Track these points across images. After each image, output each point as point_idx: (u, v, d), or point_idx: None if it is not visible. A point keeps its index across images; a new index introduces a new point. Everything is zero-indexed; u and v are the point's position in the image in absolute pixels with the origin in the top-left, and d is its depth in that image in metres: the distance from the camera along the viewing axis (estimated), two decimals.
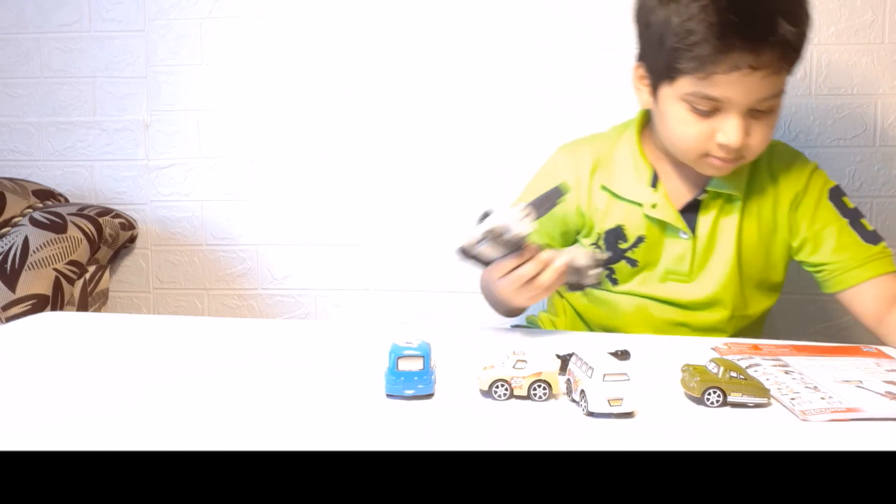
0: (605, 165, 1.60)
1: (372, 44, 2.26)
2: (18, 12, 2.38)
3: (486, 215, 1.33)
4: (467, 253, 1.37)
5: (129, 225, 2.35)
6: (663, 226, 1.55)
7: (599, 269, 1.43)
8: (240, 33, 2.31)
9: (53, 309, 2.09)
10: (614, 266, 1.59)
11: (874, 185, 2.07)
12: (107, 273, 2.35)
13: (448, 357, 1.20)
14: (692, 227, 1.54)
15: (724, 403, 1.04)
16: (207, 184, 2.37)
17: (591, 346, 1.32)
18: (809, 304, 2.12)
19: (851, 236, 1.52)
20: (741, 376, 1.05)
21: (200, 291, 2.41)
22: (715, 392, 1.04)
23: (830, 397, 1.06)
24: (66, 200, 2.39)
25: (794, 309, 2.07)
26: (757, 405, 1.04)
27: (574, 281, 1.42)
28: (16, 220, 2.24)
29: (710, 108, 1.40)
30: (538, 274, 1.35)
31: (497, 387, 1.05)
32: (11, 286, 2.06)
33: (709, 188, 1.52)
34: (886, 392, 1.08)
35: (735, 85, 1.36)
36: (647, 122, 1.60)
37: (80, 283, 2.20)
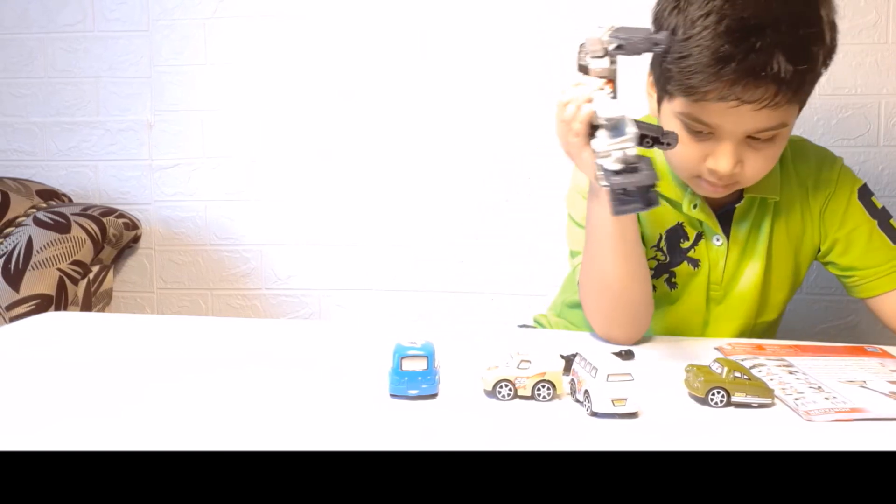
0: None
1: (374, 44, 2.27)
2: (22, 12, 2.39)
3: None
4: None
5: (132, 225, 2.35)
6: (700, 228, 1.51)
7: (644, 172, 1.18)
8: (243, 33, 2.31)
9: (57, 309, 2.09)
10: (675, 269, 1.53)
11: (878, 184, 2.07)
12: (110, 273, 2.36)
13: (452, 357, 1.20)
14: (726, 233, 1.50)
15: (728, 404, 1.04)
16: (211, 184, 2.37)
17: (595, 347, 1.32)
18: (813, 305, 2.12)
19: (881, 239, 1.49)
20: (745, 376, 1.05)
21: (204, 291, 2.41)
22: (719, 392, 1.04)
23: (834, 397, 1.06)
24: (70, 200, 2.40)
25: (799, 309, 2.07)
26: (761, 405, 1.04)
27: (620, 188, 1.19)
28: (20, 220, 2.24)
29: (704, 132, 1.35)
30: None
31: (501, 387, 1.05)
32: (15, 286, 2.07)
33: (746, 194, 1.48)
34: (890, 392, 1.08)
35: (726, 115, 1.31)
36: None
37: (83, 283, 2.20)
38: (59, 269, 2.12)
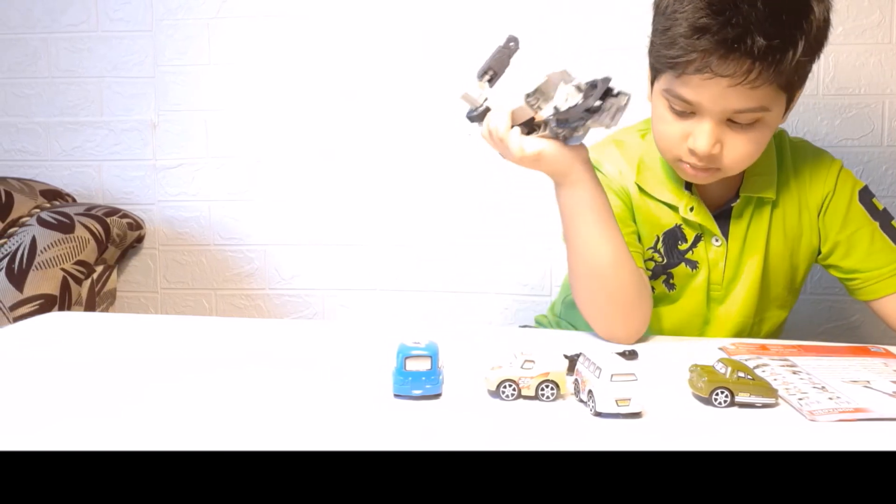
0: (642, 164, 1.54)
1: (378, 44, 2.27)
2: (26, 12, 2.39)
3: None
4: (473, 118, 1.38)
5: (136, 225, 2.35)
6: (699, 230, 1.51)
7: (609, 109, 1.26)
8: (247, 33, 2.31)
9: (61, 309, 2.10)
10: (673, 271, 1.54)
11: (882, 185, 2.07)
12: (114, 273, 2.36)
13: (456, 357, 1.20)
14: (725, 233, 1.51)
15: (732, 404, 1.04)
16: (215, 184, 2.37)
17: (599, 346, 1.32)
18: (817, 305, 2.12)
19: (883, 241, 1.49)
20: (749, 376, 1.05)
21: (208, 291, 2.41)
22: (723, 392, 1.04)
23: (838, 397, 1.06)
24: (74, 200, 2.40)
25: (802, 309, 2.07)
26: (765, 405, 1.04)
27: (568, 127, 1.29)
28: (23, 220, 2.24)
29: (685, 110, 1.36)
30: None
31: (505, 387, 1.05)
32: (19, 286, 2.07)
33: (742, 193, 1.49)
34: (894, 392, 1.08)
35: (704, 89, 1.32)
36: None
37: (87, 283, 2.20)
38: (62, 269, 2.12)
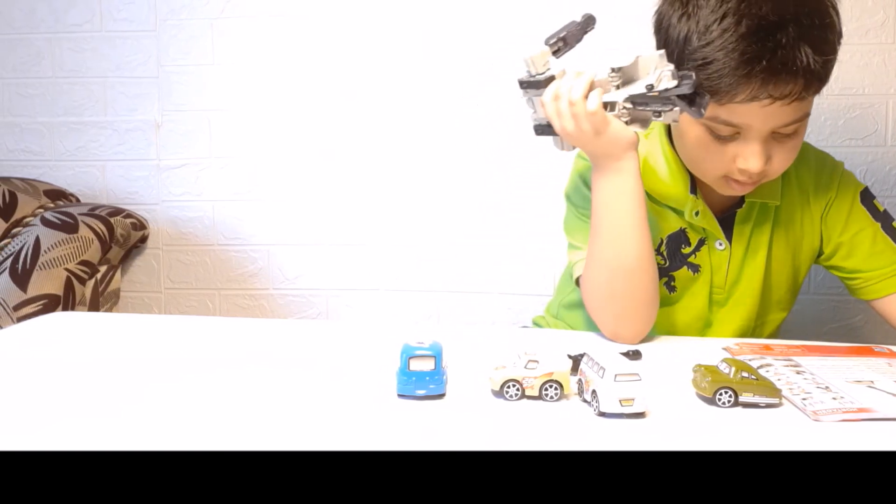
0: (646, 166, 1.52)
1: (381, 45, 2.27)
2: (30, 12, 2.39)
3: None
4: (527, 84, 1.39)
5: (140, 225, 2.36)
6: (702, 234, 1.51)
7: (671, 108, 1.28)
8: (251, 33, 2.32)
9: (65, 309, 2.10)
10: (675, 274, 1.53)
11: (886, 185, 2.07)
12: (118, 273, 2.36)
13: (459, 357, 1.20)
14: (728, 237, 1.50)
15: (736, 404, 1.04)
16: (219, 184, 2.37)
17: (603, 347, 1.32)
18: (821, 305, 2.11)
19: (885, 241, 1.50)
20: (753, 376, 1.05)
21: (212, 291, 2.41)
22: (726, 392, 1.04)
23: (842, 397, 1.05)
24: (78, 200, 2.40)
25: (806, 309, 2.07)
26: (768, 405, 1.04)
27: (647, 109, 1.30)
28: (27, 219, 2.24)
29: (730, 134, 1.35)
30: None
31: (508, 387, 1.05)
32: (23, 286, 2.07)
33: (748, 198, 1.48)
34: None
35: (755, 114, 1.31)
36: (669, 128, 1.54)
37: (91, 283, 2.21)
38: (66, 269, 2.12)
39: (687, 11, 1.33)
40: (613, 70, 1.31)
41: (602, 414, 1.00)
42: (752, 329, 1.56)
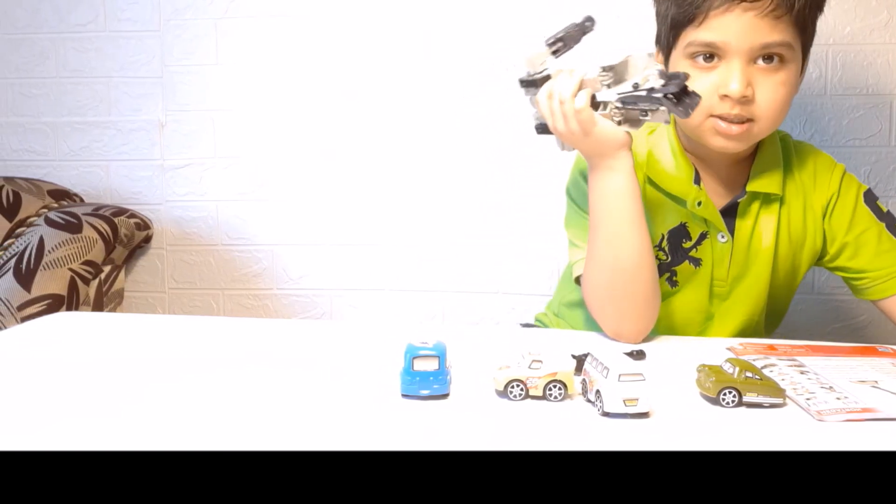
0: (651, 157, 1.54)
1: (385, 45, 2.27)
2: (34, 12, 2.39)
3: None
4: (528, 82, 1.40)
5: (144, 225, 2.36)
6: (705, 226, 1.51)
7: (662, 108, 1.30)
8: (255, 33, 2.31)
9: (69, 309, 2.10)
10: (676, 268, 1.54)
11: (890, 184, 2.07)
12: (122, 273, 2.36)
13: (463, 357, 1.20)
14: (731, 230, 1.51)
15: (740, 404, 1.04)
16: (223, 184, 2.37)
17: (607, 347, 1.32)
18: (825, 305, 2.11)
19: (891, 241, 1.50)
20: (757, 376, 1.05)
21: (216, 291, 2.41)
22: (730, 392, 1.04)
23: (846, 397, 1.06)
24: (82, 200, 2.40)
25: (810, 309, 2.07)
26: (772, 405, 1.04)
27: (635, 108, 1.33)
28: (31, 220, 2.25)
29: (712, 53, 1.38)
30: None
31: (512, 387, 1.06)
32: (27, 286, 2.07)
33: (748, 189, 1.49)
34: None
35: (732, 29, 1.35)
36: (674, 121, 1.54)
37: (95, 283, 2.21)
38: (70, 269, 2.12)
39: None
40: (604, 69, 1.33)
41: (606, 414, 1.00)
42: (755, 324, 1.56)
